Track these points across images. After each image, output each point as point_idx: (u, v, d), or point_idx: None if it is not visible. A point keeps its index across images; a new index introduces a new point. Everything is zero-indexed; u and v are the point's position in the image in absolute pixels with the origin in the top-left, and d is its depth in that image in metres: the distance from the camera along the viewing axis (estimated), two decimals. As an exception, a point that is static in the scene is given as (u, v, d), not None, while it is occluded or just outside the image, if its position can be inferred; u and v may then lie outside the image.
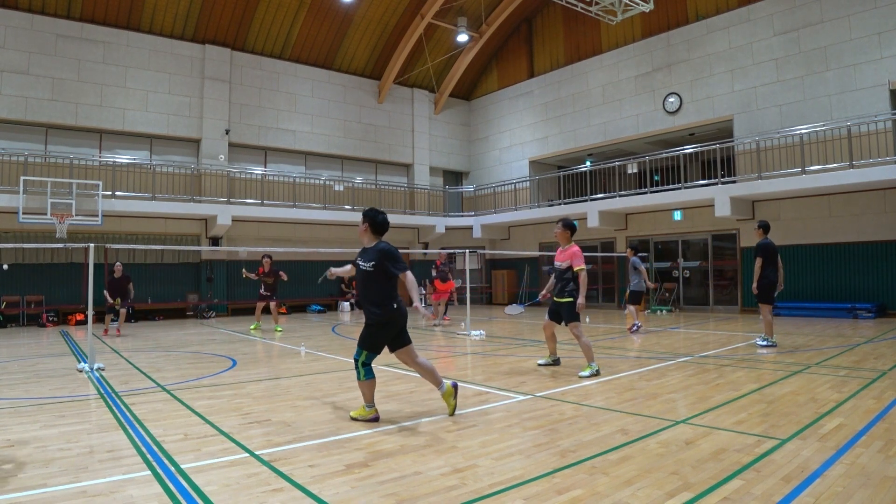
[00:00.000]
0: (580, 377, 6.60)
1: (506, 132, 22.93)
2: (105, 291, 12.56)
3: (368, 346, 4.77)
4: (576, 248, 7.00)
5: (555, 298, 7.07)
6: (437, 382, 4.96)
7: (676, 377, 6.61)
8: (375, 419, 4.78)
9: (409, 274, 4.80)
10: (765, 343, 8.86)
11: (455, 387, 5.03)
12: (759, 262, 8.79)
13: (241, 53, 19.03)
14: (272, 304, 13.58)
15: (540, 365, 7.47)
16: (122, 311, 12.85)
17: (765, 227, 8.94)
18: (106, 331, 12.72)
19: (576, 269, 6.86)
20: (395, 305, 4.74)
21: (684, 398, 5.53)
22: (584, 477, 3.42)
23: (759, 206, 15.61)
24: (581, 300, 6.80)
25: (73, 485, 3.39)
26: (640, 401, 5.41)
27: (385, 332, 4.78)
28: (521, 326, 13.59)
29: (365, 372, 4.77)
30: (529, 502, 3.07)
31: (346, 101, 21.28)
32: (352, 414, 4.90)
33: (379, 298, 4.73)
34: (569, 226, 7.09)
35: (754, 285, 8.87)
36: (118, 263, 13.03)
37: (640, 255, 12.70)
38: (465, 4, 20.44)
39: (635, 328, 11.56)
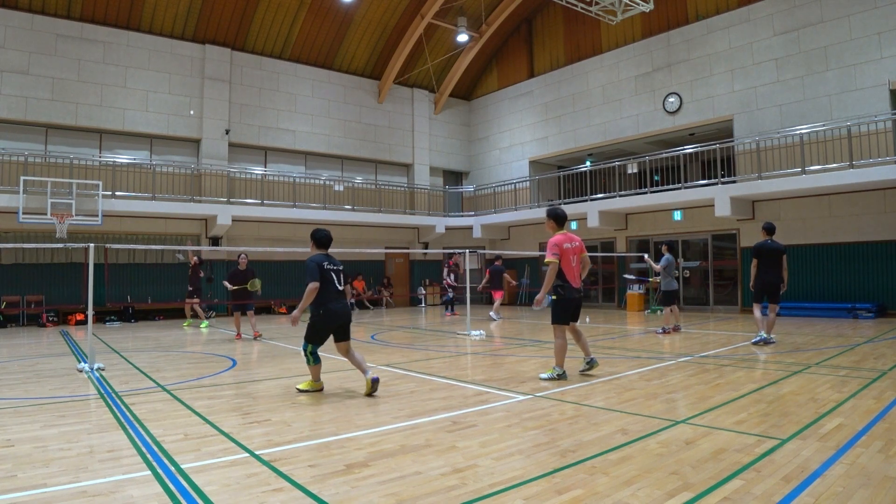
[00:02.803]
0: (539, 378, 6.34)
1: (506, 132, 22.93)
2: (227, 283, 11.71)
3: (311, 339, 5.88)
4: (552, 239, 6.40)
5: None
6: (363, 370, 5.86)
7: (676, 377, 6.61)
8: (319, 390, 5.92)
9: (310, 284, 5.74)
10: (756, 339, 9.20)
11: (375, 381, 5.76)
12: (754, 262, 9.18)
13: (241, 53, 19.03)
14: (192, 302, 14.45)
15: (582, 372, 6.71)
16: (250, 312, 11.71)
17: (767, 230, 9.16)
18: (239, 334, 11.60)
19: (545, 260, 6.29)
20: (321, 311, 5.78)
21: (684, 398, 5.53)
22: (584, 477, 3.42)
23: (759, 206, 15.60)
24: (540, 295, 6.28)
25: (73, 485, 3.39)
26: (640, 401, 5.40)
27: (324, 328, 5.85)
28: (521, 327, 13.59)
29: (315, 359, 5.88)
30: (529, 502, 3.07)
31: (346, 101, 21.28)
32: (299, 386, 6.03)
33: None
34: (551, 214, 6.56)
35: (751, 283, 9.30)
36: (243, 255, 11.72)
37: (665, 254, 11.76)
38: (465, 4, 20.44)
39: (662, 331, 11.03)
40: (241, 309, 11.79)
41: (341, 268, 5.91)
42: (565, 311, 6.46)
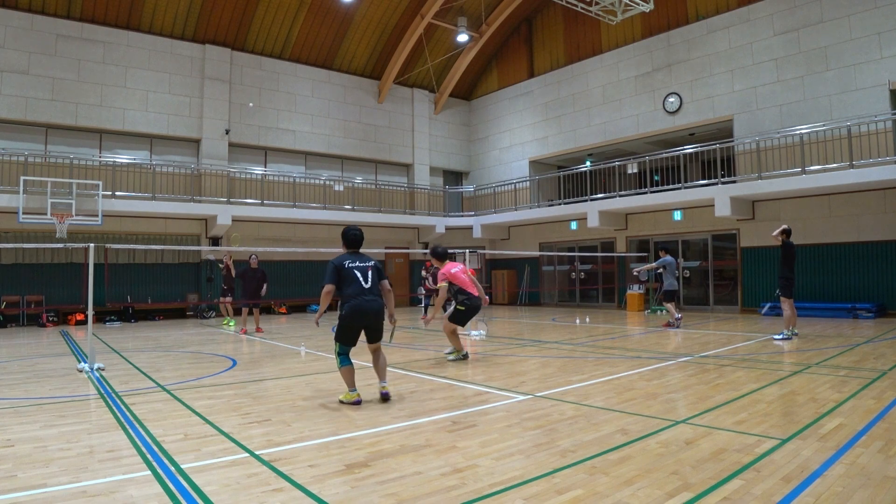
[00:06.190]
0: (446, 354, 8.12)
1: (506, 132, 22.93)
2: (234, 282, 13.47)
3: (339, 339, 5.60)
4: (441, 270, 7.97)
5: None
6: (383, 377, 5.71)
7: (676, 377, 6.61)
8: (357, 402, 5.42)
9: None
10: (781, 337, 9.59)
11: (384, 395, 5.57)
12: (790, 262, 9.77)
13: (241, 53, 19.03)
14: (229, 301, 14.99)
15: (448, 357, 8.18)
16: (256, 309, 13.16)
17: (788, 233, 9.93)
18: (244, 329, 12.78)
19: (437, 285, 7.98)
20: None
21: (684, 398, 5.53)
22: (584, 477, 3.43)
23: (759, 206, 15.60)
24: (428, 315, 8.05)
25: (73, 485, 3.39)
26: (640, 401, 5.41)
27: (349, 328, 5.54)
28: (521, 327, 13.59)
29: (341, 361, 5.54)
30: (529, 502, 3.07)
31: (346, 101, 21.28)
32: (340, 398, 5.58)
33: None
34: (433, 254, 8.16)
35: (788, 281, 9.76)
36: (254, 256, 13.02)
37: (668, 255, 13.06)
38: (465, 4, 20.44)
39: (669, 325, 12.22)
40: (249, 307, 12.98)
41: (370, 264, 5.61)
42: (466, 316, 8.01)
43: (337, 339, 5.56)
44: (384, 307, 5.58)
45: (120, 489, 3.32)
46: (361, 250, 5.79)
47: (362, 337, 5.66)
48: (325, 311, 5.57)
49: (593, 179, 18.61)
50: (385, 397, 5.48)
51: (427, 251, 20.60)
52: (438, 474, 3.51)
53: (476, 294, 8.04)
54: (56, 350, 10.02)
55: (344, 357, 5.52)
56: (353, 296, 5.42)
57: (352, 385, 5.49)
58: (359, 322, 5.47)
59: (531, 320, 15.00)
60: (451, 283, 7.94)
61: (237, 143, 18.88)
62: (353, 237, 5.70)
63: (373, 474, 3.52)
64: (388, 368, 7.27)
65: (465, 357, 8.09)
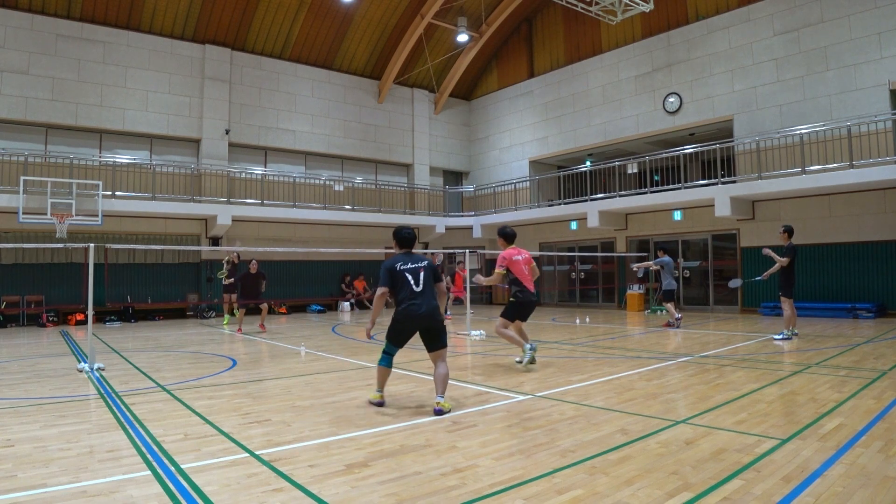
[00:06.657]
0: (516, 363, 7.49)
1: (506, 132, 22.93)
2: (232, 287, 13.66)
3: (389, 338, 5.42)
4: (502, 252, 7.48)
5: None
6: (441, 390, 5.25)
7: (676, 377, 6.61)
8: (380, 404, 5.35)
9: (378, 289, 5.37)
10: (780, 337, 9.55)
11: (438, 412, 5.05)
12: (787, 261, 9.63)
13: (241, 53, 19.03)
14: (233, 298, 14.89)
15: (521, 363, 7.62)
16: (264, 307, 13.43)
17: (790, 231, 9.84)
18: (240, 329, 12.89)
19: (495, 270, 7.45)
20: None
21: (684, 398, 5.53)
22: (584, 477, 3.43)
23: (759, 206, 15.60)
24: (479, 278, 7.62)
25: (73, 485, 3.39)
26: (640, 401, 5.41)
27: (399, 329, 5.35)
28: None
29: (381, 358, 5.41)
30: (529, 502, 3.07)
31: (346, 101, 21.28)
32: (368, 397, 5.54)
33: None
34: (501, 233, 7.70)
35: (789, 283, 9.66)
36: (254, 262, 13.12)
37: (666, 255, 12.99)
38: (465, 4, 20.44)
39: (669, 324, 12.18)
40: (246, 307, 13.10)
41: (423, 265, 5.33)
42: (517, 311, 7.45)
43: (387, 336, 5.40)
44: (437, 309, 5.29)
45: (120, 489, 3.32)
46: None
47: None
48: (376, 319, 5.40)
49: (593, 179, 18.60)
50: (437, 413, 4.98)
51: (427, 251, 20.69)
52: (438, 474, 3.51)
53: (532, 290, 7.45)
54: (56, 350, 10.02)
55: (386, 357, 5.39)
56: (403, 301, 5.24)
57: (380, 386, 5.40)
58: (410, 326, 5.28)
59: (531, 320, 14.95)
60: (508, 271, 7.37)
61: (237, 143, 18.88)
62: (405, 237, 5.51)
63: (373, 474, 3.52)
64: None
65: (534, 350, 7.42)
